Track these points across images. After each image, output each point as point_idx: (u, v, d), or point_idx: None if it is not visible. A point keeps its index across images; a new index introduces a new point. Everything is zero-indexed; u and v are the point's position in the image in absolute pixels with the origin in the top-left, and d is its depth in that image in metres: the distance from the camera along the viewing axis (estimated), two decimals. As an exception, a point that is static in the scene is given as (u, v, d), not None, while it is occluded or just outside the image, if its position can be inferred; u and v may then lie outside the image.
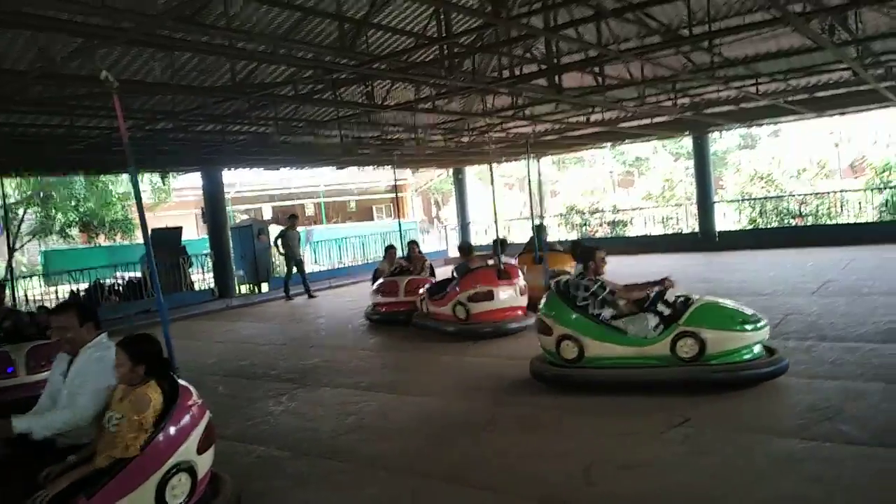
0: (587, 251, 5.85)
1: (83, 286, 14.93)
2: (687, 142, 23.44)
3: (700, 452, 4.08)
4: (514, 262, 9.02)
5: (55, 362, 3.71)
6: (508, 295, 8.24)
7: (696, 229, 17.80)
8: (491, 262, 8.71)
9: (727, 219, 21.47)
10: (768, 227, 18.87)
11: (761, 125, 18.86)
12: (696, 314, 5.23)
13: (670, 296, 5.44)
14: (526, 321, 8.06)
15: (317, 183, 32.19)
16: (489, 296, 8.17)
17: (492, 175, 10.58)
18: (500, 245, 8.75)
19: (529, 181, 9.88)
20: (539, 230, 9.62)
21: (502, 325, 8.12)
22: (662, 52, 9.13)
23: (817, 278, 10.11)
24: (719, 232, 17.14)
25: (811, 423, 4.37)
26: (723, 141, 30.04)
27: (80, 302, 3.89)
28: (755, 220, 19.79)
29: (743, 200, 21.36)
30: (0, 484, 3.13)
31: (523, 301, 8.43)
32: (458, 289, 8.41)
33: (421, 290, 9.42)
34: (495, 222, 9.49)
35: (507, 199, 38.23)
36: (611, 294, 5.62)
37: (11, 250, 22.36)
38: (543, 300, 5.98)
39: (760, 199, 20.84)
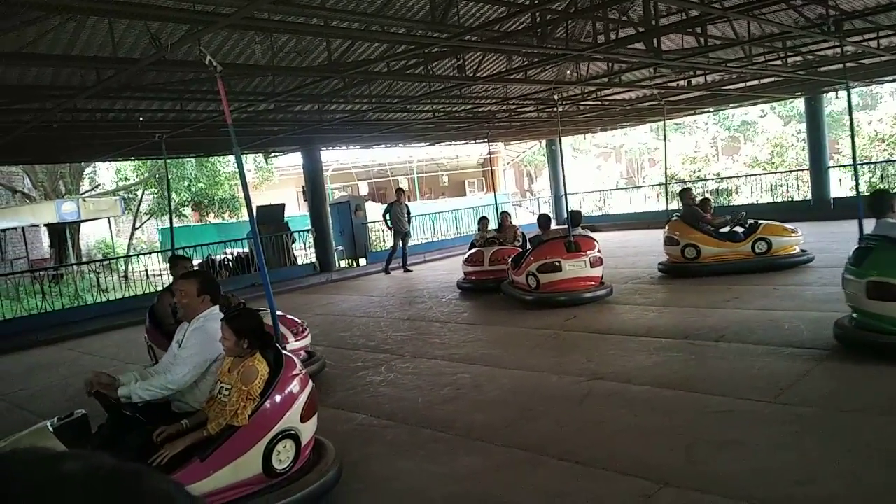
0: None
1: (196, 262, 15.88)
2: (799, 103, 21.96)
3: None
4: (589, 234, 9.57)
5: (177, 331, 3.99)
6: (576, 266, 8.69)
7: (809, 196, 16.71)
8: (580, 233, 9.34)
9: (843, 185, 20.01)
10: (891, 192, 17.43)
11: (883, 83, 17.37)
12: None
13: None
14: (599, 291, 8.66)
15: (410, 158, 32.56)
16: (557, 267, 8.67)
17: (560, 147, 11.00)
18: (574, 217, 9.54)
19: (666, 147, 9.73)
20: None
21: (577, 294, 8.55)
22: (771, 8, 8.52)
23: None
24: (834, 199, 16.03)
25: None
26: (839, 101, 27.87)
27: (205, 274, 4.16)
28: (875, 186, 18.32)
29: (861, 164, 19.81)
30: (118, 444, 3.39)
31: (595, 272, 8.85)
32: (531, 259, 8.92)
33: (508, 260, 9.98)
34: (565, 195, 10.14)
35: (602, 169, 37.35)
36: None
37: (133, 228, 24.10)
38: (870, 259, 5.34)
39: (881, 162, 19.27)
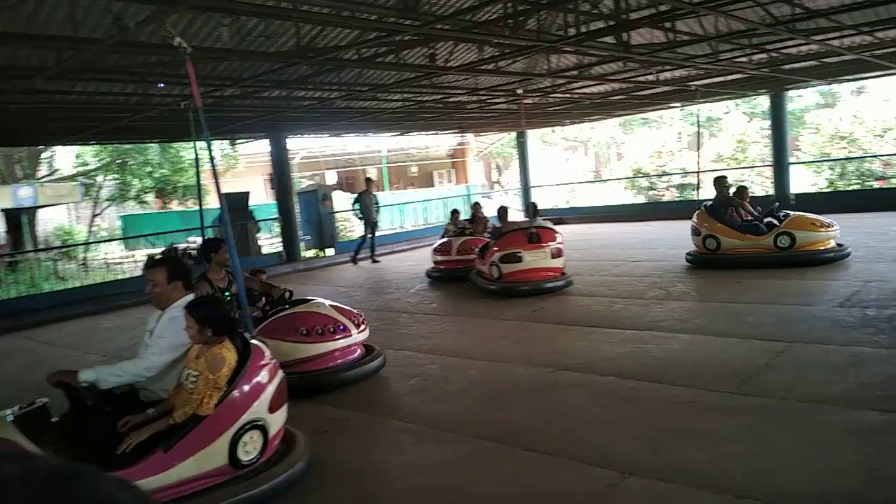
0: None
1: (159, 250, 15.58)
2: (763, 101, 22.37)
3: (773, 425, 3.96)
4: (550, 226, 9.64)
5: (149, 319, 3.90)
6: (537, 257, 8.86)
7: (771, 192, 17.06)
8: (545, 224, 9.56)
9: (803, 181, 20.48)
10: (848, 189, 17.92)
11: (844, 82, 17.78)
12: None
13: None
14: (559, 282, 8.85)
15: (379, 148, 32.35)
16: (518, 258, 8.85)
17: (524, 140, 11.17)
18: (532, 209, 10.05)
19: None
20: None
21: (538, 284, 8.73)
22: (739, 5, 8.64)
23: (902, 244, 9.57)
24: (795, 195, 16.39)
25: (893, 394, 4.17)
26: (801, 99, 28.52)
27: (173, 261, 4.06)
28: (834, 183, 18.82)
29: (821, 161, 20.30)
30: (83, 434, 3.31)
31: (556, 263, 9.02)
32: (494, 249, 9.14)
33: (476, 250, 10.21)
34: (525, 188, 10.52)
35: (570, 162, 37.60)
36: None
37: (93, 215, 23.52)
38: None
39: (841, 160, 19.77)
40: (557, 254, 9.03)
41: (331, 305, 5.75)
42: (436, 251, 11.30)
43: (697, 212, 9.92)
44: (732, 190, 10.09)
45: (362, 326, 5.71)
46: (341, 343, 5.49)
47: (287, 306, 5.71)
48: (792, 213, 9.37)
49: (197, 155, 4.39)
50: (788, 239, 9.05)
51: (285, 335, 5.30)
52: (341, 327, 5.48)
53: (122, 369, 3.53)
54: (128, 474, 3.10)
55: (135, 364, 3.56)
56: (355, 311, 5.88)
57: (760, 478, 3.30)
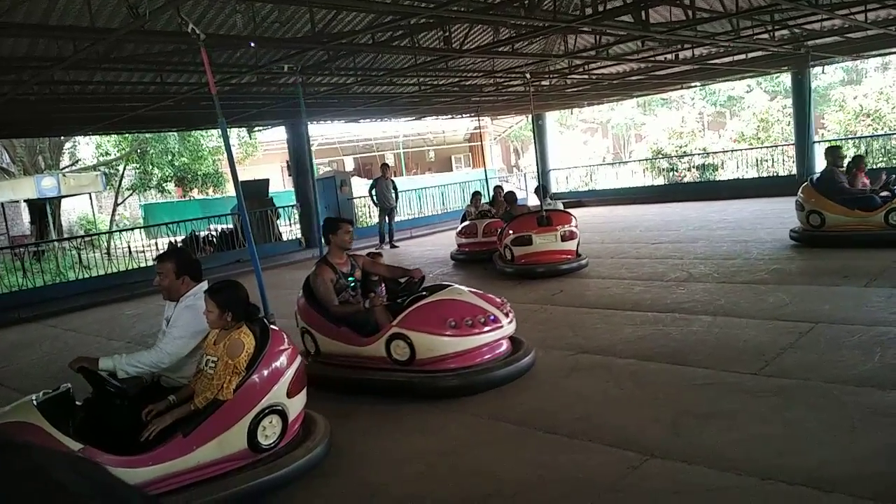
0: None
1: (180, 238, 15.73)
2: (785, 78, 21.96)
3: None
4: (561, 208, 9.96)
5: (165, 308, 3.94)
6: (546, 240, 8.91)
7: (794, 172, 16.78)
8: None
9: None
10: (875, 167, 17.55)
11: (869, 57, 17.38)
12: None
13: None
14: (574, 263, 8.89)
15: (396, 133, 32.30)
16: (528, 241, 8.94)
17: (534, 123, 11.28)
18: (543, 192, 10.20)
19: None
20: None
21: (553, 266, 8.83)
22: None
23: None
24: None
25: (921, 375, 4.09)
26: (825, 76, 27.92)
27: (181, 254, 4.07)
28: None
29: (846, 139, 19.89)
30: (105, 419, 3.35)
31: (568, 246, 9.02)
32: (508, 232, 9.28)
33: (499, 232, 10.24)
34: (543, 171, 10.57)
35: (589, 144, 37.28)
36: None
37: (115, 204, 23.79)
38: None
39: (866, 137, 19.35)
40: (569, 236, 9.01)
41: (471, 292, 5.07)
42: (460, 234, 11.31)
43: (803, 185, 9.18)
44: (847, 161, 9.20)
45: (510, 316, 4.99)
46: (493, 336, 4.79)
47: (423, 293, 5.08)
48: None
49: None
50: None
51: (432, 327, 4.65)
52: (492, 317, 4.79)
53: (139, 359, 3.57)
54: (148, 458, 3.14)
55: (152, 354, 3.59)
56: (498, 298, 5.15)
57: (785, 459, 3.25)
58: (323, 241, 5.35)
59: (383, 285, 5.48)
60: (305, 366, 4.90)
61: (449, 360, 4.66)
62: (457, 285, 5.18)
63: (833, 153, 9.13)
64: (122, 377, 3.52)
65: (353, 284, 5.16)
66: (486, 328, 4.73)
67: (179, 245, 14.99)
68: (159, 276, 3.80)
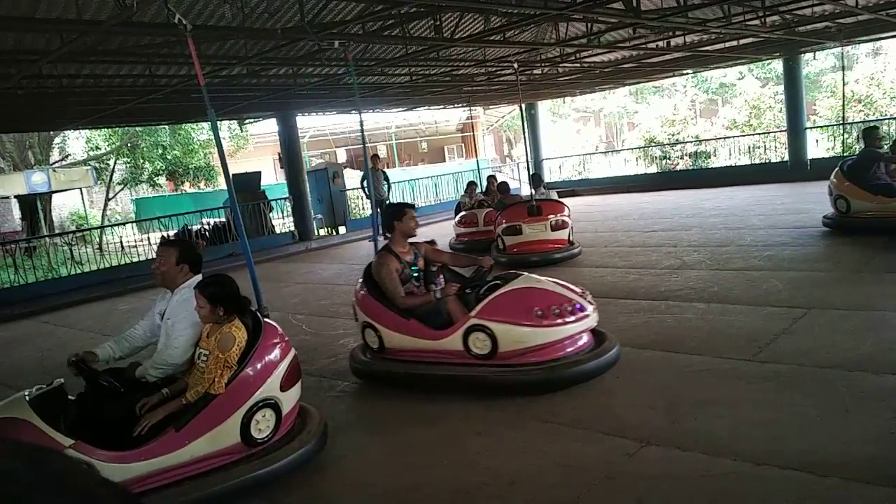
0: None
1: (172, 232, 15.65)
2: (777, 65, 21.97)
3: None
4: (554, 198, 9.95)
5: (158, 298, 3.91)
6: (536, 230, 8.96)
7: (786, 158, 16.82)
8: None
9: (820, 147, 20.14)
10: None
11: (860, 43, 17.38)
12: None
13: None
14: (567, 252, 8.95)
15: (389, 124, 32.18)
16: (518, 230, 9.02)
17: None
18: (536, 181, 10.27)
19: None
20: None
21: (546, 255, 8.87)
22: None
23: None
24: (811, 160, 16.14)
25: (914, 358, 4.12)
26: (816, 63, 27.97)
27: (186, 244, 4.03)
28: (851, 147, 18.47)
29: (838, 125, 19.94)
30: (99, 414, 3.33)
31: (558, 235, 9.06)
32: (501, 221, 9.35)
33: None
34: (536, 161, 10.71)
35: (582, 133, 37.25)
36: None
37: (107, 199, 23.65)
38: None
39: (858, 123, 19.39)
40: (559, 226, 9.05)
41: (550, 280, 4.72)
42: (461, 223, 11.30)
43: (837, 170, 8.76)
44: (888, 144, 8.81)
45: (593, 305, 4.61)
46: (580, 326, 4.42)
47: (497, 282, 4.71)
48: None
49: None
50: None
51: (517, 317, 4.30)
52: (578, 306, 4.43)
53: (157, 363, 3.59)
54: (140, 453, 3.13)
55: (166, 356, 3.59)
56: (577, 287, 4.75)
57: (779, 444, 3.27)
58: (383, 228, 4.95)
59: (441, 276, 5.02)
60: (368, 362, 4.89)
61: (530, 353, 4.31)
62: (527, 273, 4.80)
63: (870, 135, 8.68)
64: (151, 381, 3.57)
65: (416, 274, 4.85)
66: (572, 318, 4.36)
67: (173, 236, 14.91)
68: (159, 261, 3.79)
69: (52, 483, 0.47)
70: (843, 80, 11.58)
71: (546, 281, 4.65)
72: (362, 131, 5.36)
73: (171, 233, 15.56)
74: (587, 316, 4.44)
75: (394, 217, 4.83)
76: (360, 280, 5.05)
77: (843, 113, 10.90)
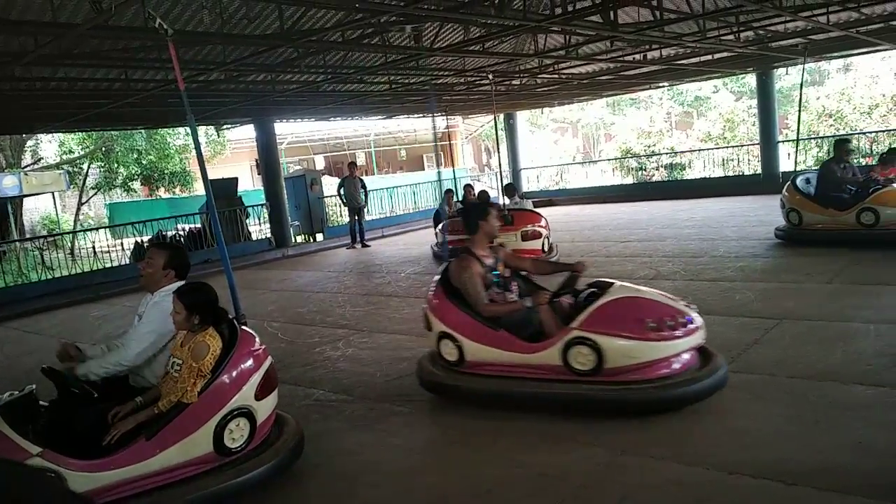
0: None
1: (146, 238, 15.43)
2: (750, 79, 22.36)
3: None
4: (529, 208, 10.02)
5: (140, 303, 3.86)
6: (507, 240, 8.73)
7: (759, 171, 17.10)
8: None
9: (792, 160, 20.47)
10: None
11: (831, 59, 17.78)
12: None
13: None
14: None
15: (367, 132, 32.15)
16: None
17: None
18: (511, 191, 10.39)
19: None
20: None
21: None
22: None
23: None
24: (783, 173, 16.40)
25: (880, 368, 4.20)
26: (788, 77, 28.46)
27: (178, 250, 3.96)
28: (822, 160, 18.87)
29: (809, 139, 20.34)
30: (70, 422, 3.27)
31: (531, 246, 9.09)
32: None
33: None
34: (499, 171, 11.74)
35: (560, 144, 37.54)
36: None
37: (80, 203, 23.27)
38: None
39: (829, 137, 19.81)
40: (532, 236, 9.13)
41: (651, 290, 4.34)
42: (448, 230, 11.19)
43: (786, 184, 9.04)
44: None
45: (702, 319, 4.13)
46: (693, 340, 3.99)
47: (594, 289, 4.32)
48: (883, 187, 8.17)
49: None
50: (872, 215, 7.98)
51: (628, 330, 3.86)
52: (688, 318, 3.98)
53: (106, 361, 3.50)
54: (110, 462, 3.07)
55: (118, 355, 3.52)
56: (681, 298, 4.31)
57: (751, 453, 3.31)
58: (466, 229, 4.55)
59: (515, 282, 4.56)
60: (444, 377, 4.44)
61: (636, 370, 3.88)
62: (621, 282, 4.41)
63: (840, 147, 8.87)
64: (93, 379, 3.46)
65: (496, 280, 4.39)
66: (682, 331, 3.91)
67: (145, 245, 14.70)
68: (147, 262, 3.75)
69: None
70: (801, 96, 11.82)
71: (648, 290, 4.28)
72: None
73: (145, 238, 15.36)
74: (698, 329, 4.02)
75: (479, 216, 4.43)
76: (435, 285, 4.62)
77: (799, 127, 11.18)
